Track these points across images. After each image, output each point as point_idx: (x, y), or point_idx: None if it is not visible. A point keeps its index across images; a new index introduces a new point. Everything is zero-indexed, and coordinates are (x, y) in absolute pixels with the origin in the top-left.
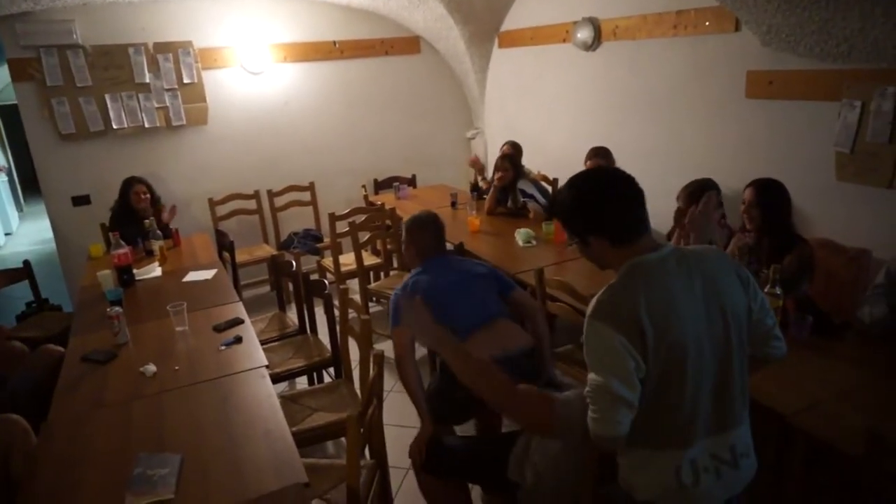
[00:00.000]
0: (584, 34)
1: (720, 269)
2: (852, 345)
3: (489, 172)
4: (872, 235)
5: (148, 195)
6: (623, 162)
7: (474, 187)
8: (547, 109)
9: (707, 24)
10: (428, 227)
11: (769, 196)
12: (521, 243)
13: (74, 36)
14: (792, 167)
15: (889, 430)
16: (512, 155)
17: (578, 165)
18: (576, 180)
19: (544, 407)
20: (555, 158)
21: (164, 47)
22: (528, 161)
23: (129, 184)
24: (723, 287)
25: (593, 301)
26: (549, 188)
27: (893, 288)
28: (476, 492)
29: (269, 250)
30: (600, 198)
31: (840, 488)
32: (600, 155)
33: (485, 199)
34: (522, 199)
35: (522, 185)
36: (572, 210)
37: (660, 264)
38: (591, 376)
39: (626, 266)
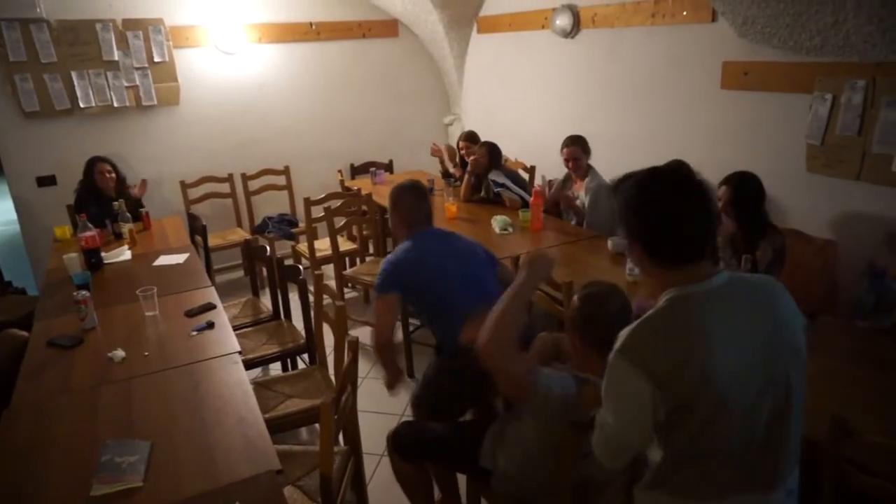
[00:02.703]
0: (562, 21)
1: (787, 308)
2: (818, 334)
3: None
4: (840, 226)
5: (113, 174)
6: (599, 150)
7: (445, 174)
8: (525, 96)
9: (684, 13)
10: (415, 194)
11: (744, 191)
12: (497, 230)
13: (38, 9)
14: (764, 158)
15: (851, 415)
16: (492, 144)
17: (555, 153)
18: (647, 174)
19: (529, 373)
20: (532, 145)
21: (133, 24)
22: (504, 148)
23: (93, 163)
24: (790, 328)
25: (624, 334)
26: (526, 175)
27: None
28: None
29: (242, 234)
30: (654, 202)
31: (804, 477)
32: (577, 143)
33: (459, 185)
34: (495, 190)
35: (493, 175)
36: (624, 203)
37: (709, 299)
38: (603, 412)
39: (668, 299)
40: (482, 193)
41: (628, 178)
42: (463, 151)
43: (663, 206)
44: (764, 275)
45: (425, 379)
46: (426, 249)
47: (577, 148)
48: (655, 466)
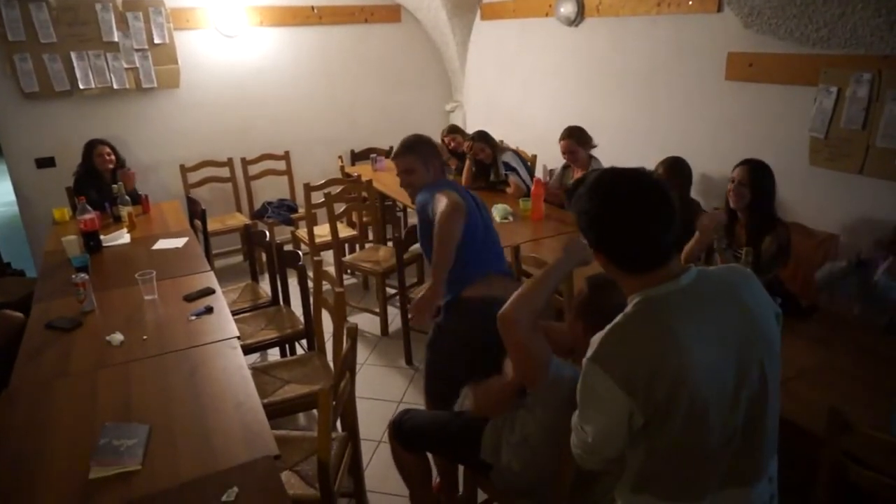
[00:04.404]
0: (567, 8)
1: (757, 298)
2: (818, 326)
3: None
4: (841, 220)
5: (112, 157)
6: (602, 139)
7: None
8: (527, 84)
9: (690, 3)
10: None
11: (761, 176)
12: (497, 219)
13: None
14: (767, 150)
15: (849, 408)
16: (485, 134)
17: (557, 142)
18: (601, 181)
19: (545, 354)
20: (534, 134)
21: (133, 5)
22: (506, 136)
23: (93, 145)
24: (762, 320)
25: (595, 340)
26: (529, 164)
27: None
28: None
29: (242, 219)
30: (611, 211)
31: (799, 467)
32: (572, 136)
33: (458, 176)
34: (505, 172)
35: (507, 157)
36: (582, 213)
37: (678, 299)
38: (578, 417)
39: (637, 302)
40: (492, 177)
41: (580, 184)
42: (452, 145)
43: (622, 216)
44: (733, 265)
45: (427, 368)
46: (461, 191)
47: (571, 141)
48: (637, 469)
